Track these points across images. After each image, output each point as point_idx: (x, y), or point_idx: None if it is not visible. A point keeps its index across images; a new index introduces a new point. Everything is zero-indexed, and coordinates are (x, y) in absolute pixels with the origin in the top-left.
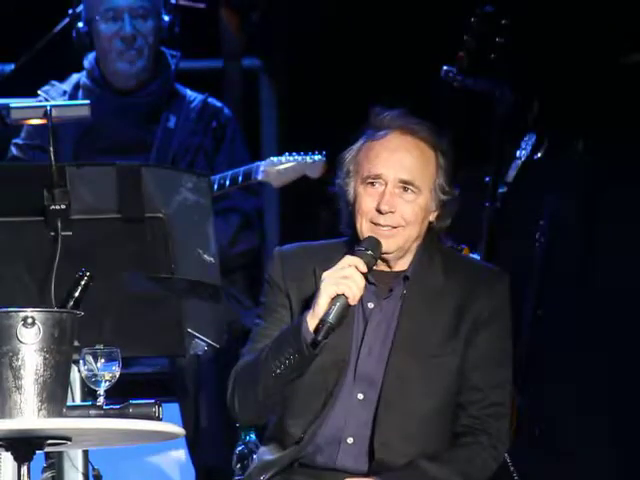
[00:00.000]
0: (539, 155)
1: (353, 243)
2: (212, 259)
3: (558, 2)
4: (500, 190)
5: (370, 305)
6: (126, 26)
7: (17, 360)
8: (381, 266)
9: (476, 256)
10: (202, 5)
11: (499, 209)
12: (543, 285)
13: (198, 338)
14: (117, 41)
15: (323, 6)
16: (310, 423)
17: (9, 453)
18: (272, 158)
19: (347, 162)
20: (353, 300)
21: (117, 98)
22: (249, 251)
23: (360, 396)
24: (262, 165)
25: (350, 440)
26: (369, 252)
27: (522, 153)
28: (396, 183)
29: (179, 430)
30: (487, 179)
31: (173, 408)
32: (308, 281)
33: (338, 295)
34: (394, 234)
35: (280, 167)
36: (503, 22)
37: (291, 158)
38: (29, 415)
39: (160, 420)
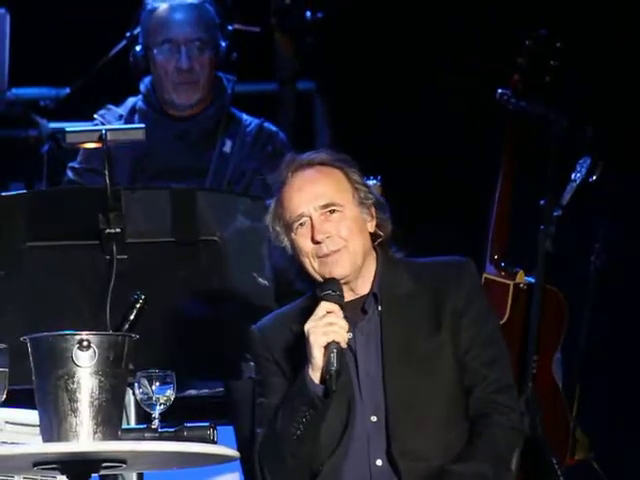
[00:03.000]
0: (594, 178)
1: (317, 289)
2: (267, 282)
3: (612, 26)
4: (555, 213)
5: (349, 334)
6: (182, 58)
7: (73, 383)
8: (346, 294)
9: (531, 279)
10: (257, 29)
11: (554, 232)
12: (597, 309)
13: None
14: (173, 73)
15: (375, 28)
16: (329, 458)
17: (64, 477)
18: None
19: (271, 225)
20: (344, 343)
21: (173, 123)
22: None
23: (374, 419)
24: None
25: (379, 462)
26: (337, 293)
27: (577, 176)
28: (318, 211)
29: (234, 453)
30: (542, 202)
31: (228, 431)
32: (290, 341)
33: (329, 343)
34: (340, 256)
35: None
36: (557, 45)
37: None
38: (84, 438)
39: (215, 443)
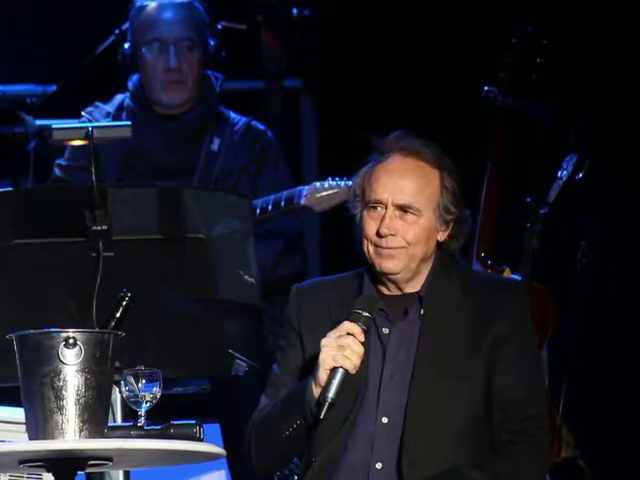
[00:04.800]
0: (580, 176)
1: (366, 273)
2: (253, 280)
3: (600, 22)
4: (541, 211)
5: (385, 330)
6: (171, 58)
7: (59, 381)
8: (392, 289)
9: (517, 277)
10: (243, 27)
11: (540, 230)
12: (585, 306)
13: (239, 359)
14: (162, 72)
15: (362, 26)
16: (324, 450)
17: (50, 474)
18: (315, 183)
19: (355, 187)
20: (353, 370)
21: (161, 121)
22: (291, 274)
23: (384, 420)
24: (305, 190)
25: (379, 465)
26: (365, 314)
27: (563, 174)
28: (394, 207)
29: (220, 450)
30: (528, 200)
31: (214, 429)
32: (322, 318)
33: (336, 368)
34: (396, 255)
35: (323, 193)
36: (544, 42)
37: (333, 183)
38: (70, 436)
39: (201, 441)
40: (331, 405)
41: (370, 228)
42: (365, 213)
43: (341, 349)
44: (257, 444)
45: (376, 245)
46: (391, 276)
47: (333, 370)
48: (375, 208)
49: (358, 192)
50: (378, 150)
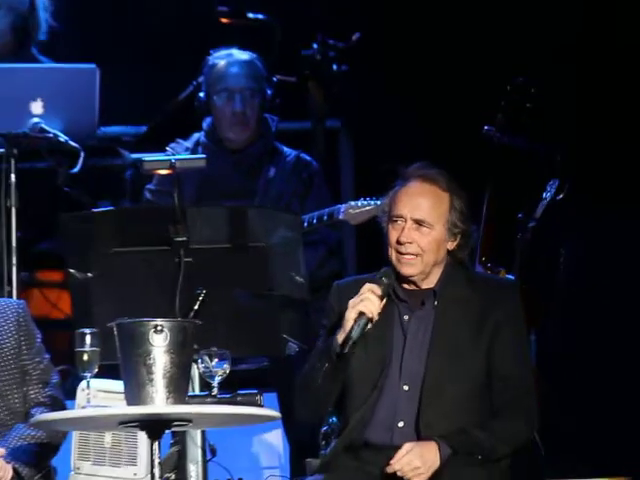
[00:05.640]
0: (561, 196)
1: (392, 272)
2: (302, 280)
3: (578, 74)
4: (530, 224)
5: (406, 317)
6: (237, 104)
7: (149, 359)
8: (411, 286)
9: (511, 277)
10: (294, 79)
11: (529, 239)
12: (564, 300)
13: (291, 342)
14: (229, 115)
15: (388, 78)
16: (357, 411)
17: (144, 432)
18: (351, 202)
19: (384, 204)
20: (371, 314)
21: (229, 154)
22: (332, 274)
23: (405, 388)
24: (343, 207)
25: (401, 424)
26: (382, 279)
27: (547, 195)
28: (412, 221)
29: (276, 414)
30: (520, 216)
31: (272, 397)
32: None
33: (360, 314)
34: (413, 261)
35: (357, 210)
36: (532, 90)
37: (365, 202)
38: (159, 403)
39: (261, 406)
40: (354, 343)
41: (393, 237)
42: (389, 225)
43: (362, 300)
44: (298, 396)
45: (397, 251)
46: (410, 277)
47: (358, 318)
48: (397, 221)
49: (386, 209)
50: (402, 177)
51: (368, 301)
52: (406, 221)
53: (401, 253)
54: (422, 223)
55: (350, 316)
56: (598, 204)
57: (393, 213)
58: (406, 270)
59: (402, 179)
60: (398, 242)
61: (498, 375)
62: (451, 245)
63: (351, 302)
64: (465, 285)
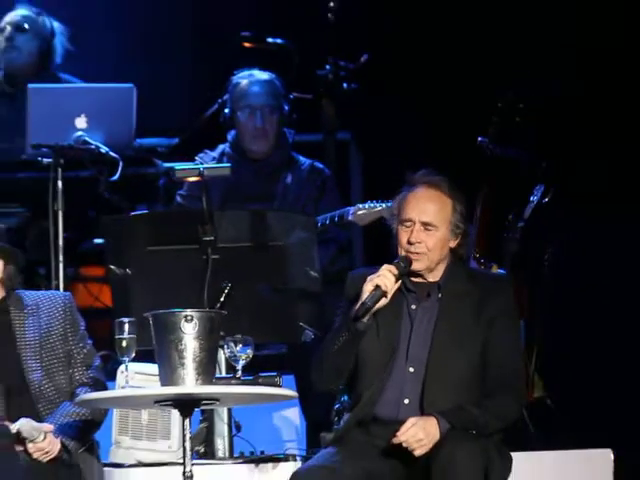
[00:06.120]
0: (546, 200)
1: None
2: (316, 274)
3: (558, 93)
4: (519, 224)
5: (413, 306)
6: (257, 120)
7: (181, 345)
8: (418, 279)
9: (502, 271)
10: (309, 96)
11: (518, 238)
12: (552, 294)
13: (307, 329)
14: (251, 129)
15: (392, 96)
16: (368, 389)
17: (176, 410)
18: (359, 205)
19: (393, 208)
20: (385, 288)
21: (251, 163)
22: (343, 269)
23: (411, 369)
24: (352, 209)
25: (407, 401)
26: (400, 263)
27: (534, 198)
28: (420, 224)
29: (294, 394)
30: (510, 216)
31: (290, 379)
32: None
33: (376, 287)
34: (421, 258)
35: (364, 212)
36: (520, 106)
37: (372, 205)
38: (189, 383)
39: (280, 387)
40: (368, 309)
41: (403, 238)
42: (399, 227)
43: (379, 276)
44: (316, 363)
45: (407, 250)
46: (417, 271)
47: (374, 290)
48: (406, 225)
49: (395, 212)
50: (409, 183)
51: (384, 277)
52: (415, 224)
53: (410, 252)
54: (429, 225)
55: (367, 287)
56: (578, 207)
57: (403, 217)
58: (415, 265)
59: (409, 185)
60: (408, 242)
61: (492, 359)
62: (453, 243)
63: (369, 277)
64: (465, 280)
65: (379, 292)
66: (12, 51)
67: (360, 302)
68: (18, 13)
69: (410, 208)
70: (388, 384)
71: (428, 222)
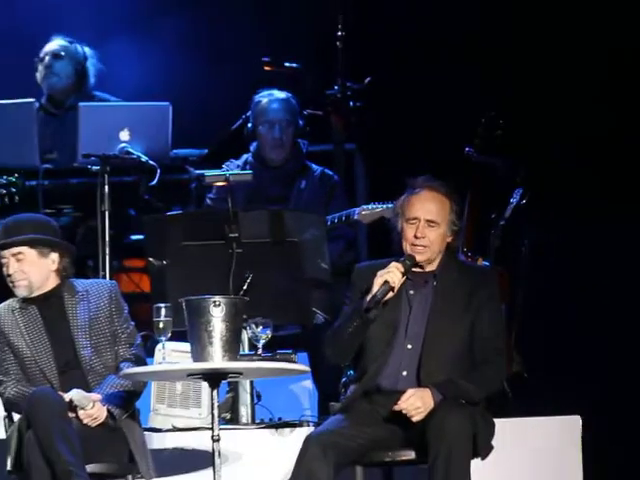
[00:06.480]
0: (524, 201)
1: (399, 259)
2: (326, 266)
3: (535, 108)
4: (501, 222)
5: (411, 292)
6: (276, 132)
7: (210, 327)
8: (417, 269)
9: (486, 263)
10: (320, 113)
11: (500, 234)
12: (529, 281)
13: (318, 314)
14: (270, 141)
15: (393, 112)
16: (374, 363)
17: (206, 382)
18: (363, 206)
19: (397, 208)
20: (393, 283)
21: (270, 170)
22: (350, 262)
23: (409, 346)
24: (357, 210)
25: (405, 373)
26: (406, 261)
27: (514, 200)
28: (424, 221)
29: (307, 369)
30: (492, 216)
31: (304, 356)
32: (371, 282)
33: (385, 282)
34: (424, 251)
35: (368, 212)
36: (500, 122)
37: (375, 206)
38: (217, 359)
39: (295, 363)
40: (377, 301)
41: (409, 233)
42: (405, 225)
43: (388, 272)
44: (329, 342)
45: (412, 244)
46: (419, 262)
47: (383, 285)
48: (412, 222)
49: (399, 212)
50: (412, 186)
51: (393, 273)
52: (420, 221)
53: (415, 245)
54: (432, 222)
55: (377, 281)
56: (551, 206)
57: (409, 215)
58: (419, 257)
59: (412, 188)
60: (415, 237)
61: (479, 338)
62: (449, 239)
63: (379, 272)
64: (457, 271)
65: (387, 286)
66: (52, 77)
67: (371, 295)
68: (54, 43)
69: (416, 207)
70: (390, 359)
71: (432, 219)
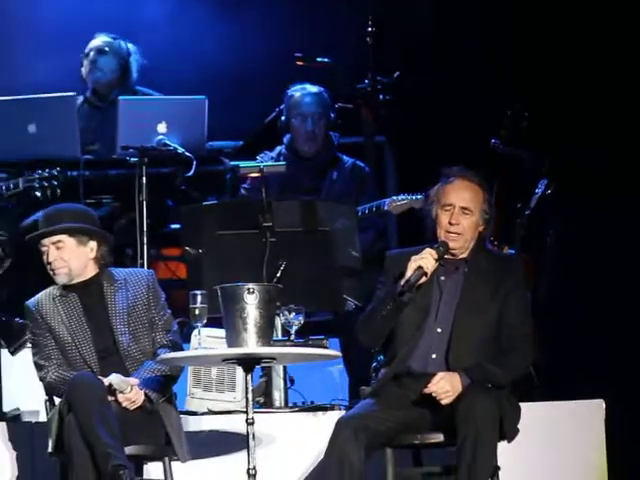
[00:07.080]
0: (549, 191)
1: (433, 245)
2: (357, 255)
3: (560, 100)
4: (526, 212)
5: (442, 278)
6: (308, 125)
7: (244, 313)
8: (449, 255)
9: (512, 251)
10: (351, 106)
11: (525, 223)
12: (554, 270)
13: (349, 300)
14: (303, 133)
15: (420, 105)
16: (404, 346)
17: (240, 367)
18: (393, 197)
19: (432, 196)
20: (426, 268)
21: (303, 161)
22: (380, 250)
23: (439, 330)
24: (387, 201)
25: (434, 356)
26: (440, 248)
27: (539, 190)
28: (459, 208)
29: (338, 354)
30: (518, 205)
31: (335, 342)
32: (403, 268)
33: (419, 267)
34: (458, 238)
35: (398, 203)
36: (526, 114)
37: (404, 197)
38: (251, 345)
39: (327, 348)
40: (411, 285)
41: (444, 220)
42: (440, 212)
43: (422, 258)
44: (362, 326)
45: (446, 231)
46: (452, 250)
47: (417, 270)
48: (447, 209)
49: (434, 199)
50: (447, 175)
51: (427, 259)
52: (455, 208)
53: (450, 232)
54: (466, 209)
55: (411, 266)
56: (575, 197)
57: (444, 202)
58: (452, 244)
59: (446, 177)
60: (449, 223)
61: (506, 324)
62: (480, 227)
63: (413, 257)
64: (486, 259)
65: (421, 271)
66: (97, 71)
67: (405, 279)
68: (98, 39)
69: (451, 195)
70: (420, 342)
71: (466, 207)
